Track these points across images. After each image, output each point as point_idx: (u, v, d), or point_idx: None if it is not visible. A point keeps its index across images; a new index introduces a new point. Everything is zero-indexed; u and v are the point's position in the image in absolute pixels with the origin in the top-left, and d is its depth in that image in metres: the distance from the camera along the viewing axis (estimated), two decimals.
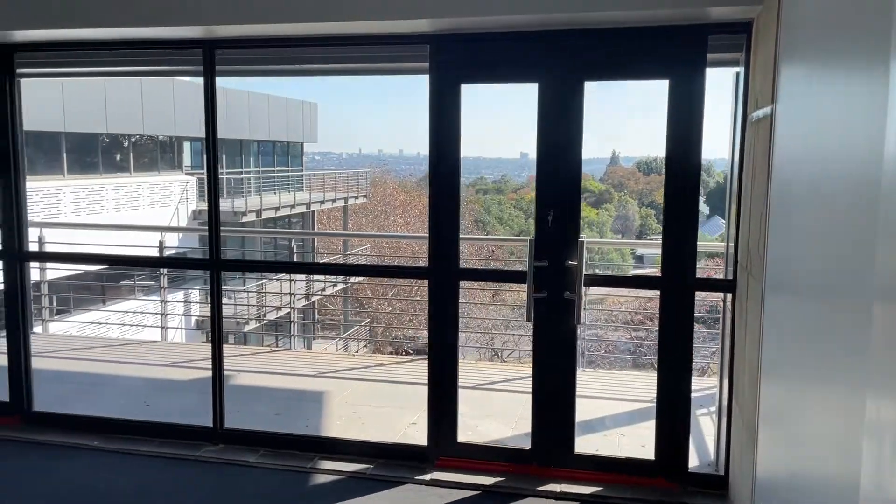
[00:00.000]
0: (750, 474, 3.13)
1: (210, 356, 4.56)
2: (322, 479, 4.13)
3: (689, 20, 3.60)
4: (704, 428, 4.86)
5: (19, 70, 4.49)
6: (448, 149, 4.00)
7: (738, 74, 3.75)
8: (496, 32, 3.85)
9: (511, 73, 3.96)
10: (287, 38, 4.11)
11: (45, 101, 15.58)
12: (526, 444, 4.17)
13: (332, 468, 4.21)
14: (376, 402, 5.48)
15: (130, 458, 4.34)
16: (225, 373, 5.76)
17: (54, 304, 10.89)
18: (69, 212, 16.94)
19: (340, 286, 18.69)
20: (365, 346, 19.60)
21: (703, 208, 43.82)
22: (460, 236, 4.06)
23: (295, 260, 8.78)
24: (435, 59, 3.94)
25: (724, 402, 3.93)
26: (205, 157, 4.34)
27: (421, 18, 3.72)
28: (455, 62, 3.93)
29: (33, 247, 7.49)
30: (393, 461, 4.27)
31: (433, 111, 3.97)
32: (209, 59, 4.18)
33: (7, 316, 4.69)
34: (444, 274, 4.11)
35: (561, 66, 3.83)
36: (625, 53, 3.78)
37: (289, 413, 5.19)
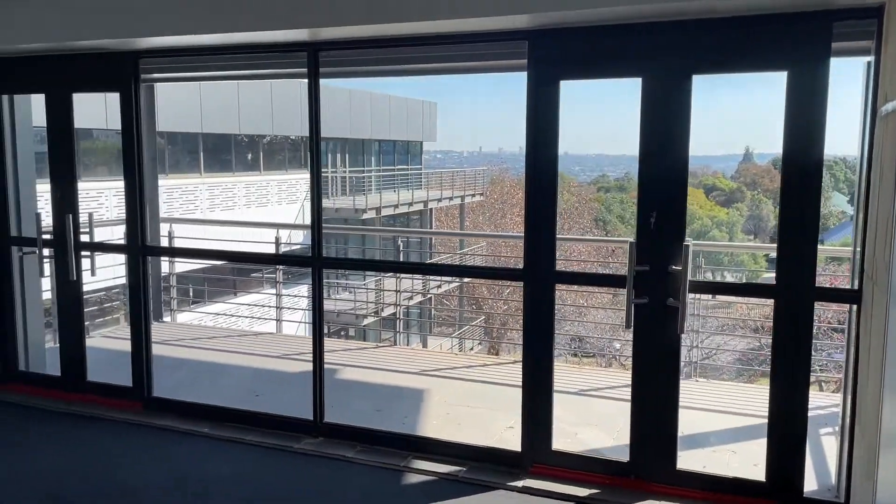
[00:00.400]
0: (870, 501, 2.83)
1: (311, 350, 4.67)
2: (414, 478, 4.14)
3: (811, 6, 3.29)
4: (828, 449, 4.46)
5: (143, 76, 4.79)
6: (546, 147, 3.89)
7: (868, 64, 3.39)
8: (597, 26, 3.69)
9: (613, 69, 3.78)
10: (387, 38, 4.14)
11: (185, 104, 16.72)
12: (625, 456, 3.99)
13: (424, 468, 4.21)
14: (475, 402, 5.44)
15: (236, 446, 4.54)
16: (331, 367, 5.94)
17: (190, 294, 11.65)
18: (205, 207, 18.10)
19: (455, 284, 18.84)
20: (479, 343, 19.62)
21: (848, 208, 40.63)
22: (557, 236, 3.94)
23: (401, 259, 8.89)
24: (533, 55, 3.83)
25: (847, 422, 3.57)
26: (308, 157, 4.45)
27: (520, 14, 3.63)
28: (554, 58, 3.81)
29: (164, 241, 8.02)
30: (486, 465, 4.21)
31: (530, 109, 3.87)
32: (313, 61, 4.28)
33: (131, 307, 5.03)
34: (539, 276, 4.00)
35: (666, 59, 3.62)
36: (737, 44, 3.51)
37: (388, 410, 5.24)
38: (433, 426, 4.85)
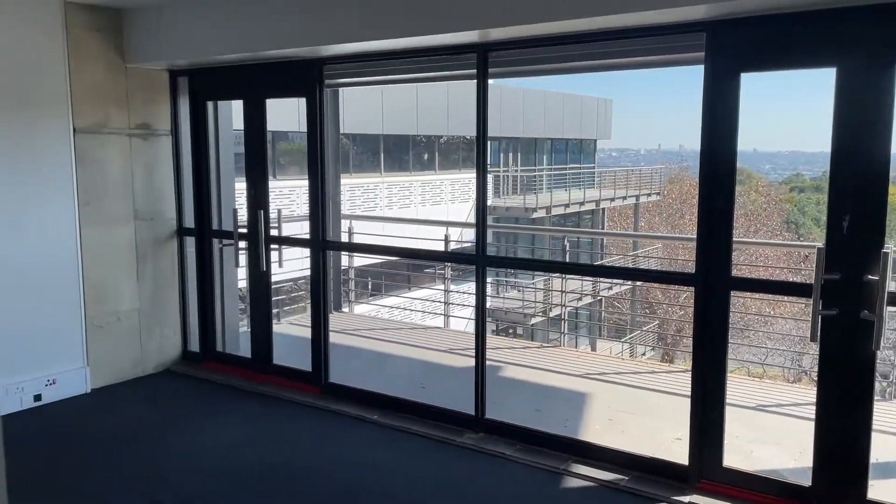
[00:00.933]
0: None
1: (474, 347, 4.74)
2: (574, 482, 4.07)
3: None
4: None
5: (327, 81, 5.12)
6: (723, 145, 3.66)
7: None
8: (785, 13, 3.41)
9: (802, 59, 3.47)
10: (557, 36, 4.10)
11: (371, 107, 17.65)
12: (806, 480, 3.66)
13: (585, 473, 4.13)
14: (641, 410, 5.24)
15: (402, 435, 4.72)
16: (495, 364, 6.00)
17: (368, 287, 12.29)
18: (383, 205, 19.00)
19: (627, 286, 18.27)
20: (651, 349, 18.88)
21: None
22: (734, 239, 3.69)
23: (568, 259, 8.76)
24: (711, 47, 3.62)
25: None
26: (475, 156, 4.51)
27: (698, 5, 3.43)
28: (734, 50, 3.57)
29: (344, 237, 8.53)
30: (649, 476, 4.05)
31: (707, 104, 3.66)
32: (482, 61, 4.34)
33: (311, 297, 5.39)
34: (711, 281, 3.78)
35: (866, 47, 3.26)
36: None
37: (548, 410, 5.20)
38: (595, 431, 4.74)
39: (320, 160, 5.18)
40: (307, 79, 5.10)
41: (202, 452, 4.49)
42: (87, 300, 5.43)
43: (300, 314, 9.94)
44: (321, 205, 5.24)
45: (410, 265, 17.56)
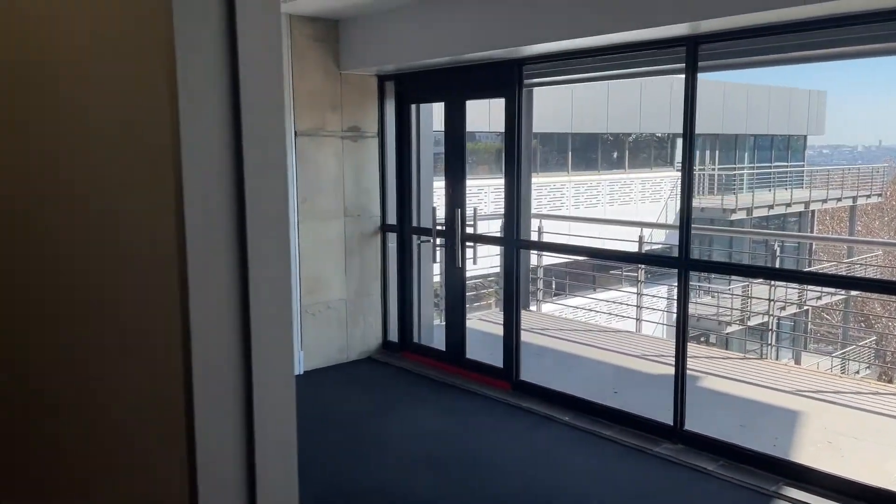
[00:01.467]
0: None
1: (674, 354, 4.55)
2: None
3: None
4: None
5: (525, 81, 5.16)
6: None
7: None
8: None
9: None
10: (771, 25, 3.82)
11: (557, 106, 17.54)
12: None
13: (798, 498, 3.82)
14: (864, 434, 4.74)
15: (594, 438, 4.64)
16: (692, 373, 5.72)
17: (552, 286, 12.27)
18: (570, 204, 18.79)
19: (840, 296, 16.63)
20: (867, 367, 16.96)
21: None
22: None
23: (777, 265, 8.10)
24: None
25: None
26: (676, 154, 4.32)
27: None
28: None
29: (533, 236, 8.55)
30: None
31: None
32: (692, 55, 4.14)
33: (504, 295, 5.46)
34: None
35: None
36: None
37: (754, 427, 4.85)
38: (809, 453, 4.36)
39: (517, 160, 5.23)
40: (507, 80, 5.17)
41: (405, 436, 4.72)
42: (302, 289, 5.91)
43: (486, 311, 10.10)
44: (516, 204, 5.29)
45: (595, 265, 17.17)
